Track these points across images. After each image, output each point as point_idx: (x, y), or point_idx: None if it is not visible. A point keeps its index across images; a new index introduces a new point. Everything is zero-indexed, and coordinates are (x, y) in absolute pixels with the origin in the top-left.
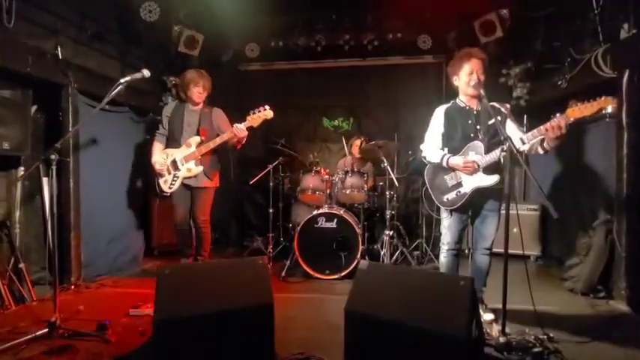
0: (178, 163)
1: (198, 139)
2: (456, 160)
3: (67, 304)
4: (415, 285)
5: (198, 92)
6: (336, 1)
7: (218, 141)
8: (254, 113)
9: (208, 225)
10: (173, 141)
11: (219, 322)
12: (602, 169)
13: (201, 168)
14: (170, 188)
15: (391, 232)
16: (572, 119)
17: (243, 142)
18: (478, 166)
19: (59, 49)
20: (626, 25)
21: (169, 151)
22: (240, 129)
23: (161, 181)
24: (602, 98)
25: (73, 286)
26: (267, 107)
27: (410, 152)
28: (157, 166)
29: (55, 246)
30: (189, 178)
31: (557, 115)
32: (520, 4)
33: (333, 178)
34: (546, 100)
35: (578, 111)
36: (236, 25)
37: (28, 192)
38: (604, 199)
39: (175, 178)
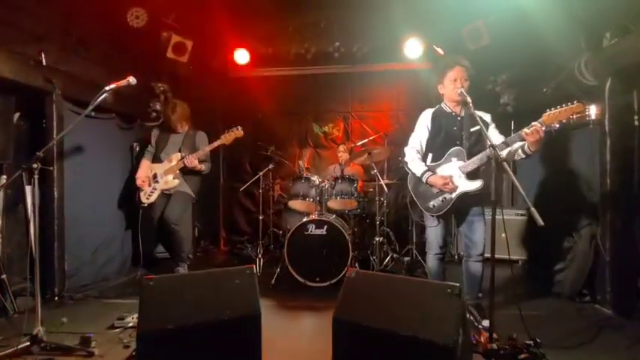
0: (158, 177)
1: (179, 155)
2: (435, 180)
3: (50, 316)
4: (403, 293)
5: (174, 126)
6: (326, 7)
7: (180, 164)
8: (227, 132)
9: (178, 223)
10: (156, 158)
11: (205, 334)
12: (587, 174)
13: (177, 181)
14: (147, 199)
15: (381, 239)
16: (555, 125)
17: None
18: (449, 184)
19: (43, 55)
20: (607, 34)
21: (153, 166)
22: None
23: (141, 193)
24: (575, 104)
25: (56, 298)
26: (239, 127)
27: (400, 158)
28: (138, 181)
29: (37, 256)
30: (168, 189)
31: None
32: (505, 12)
33: (323, 184)
34: (533, 107)
35: (553, 116)
36: (225, 32)
37: (11, 201)
38: (589, 203)
39: (154, 190)
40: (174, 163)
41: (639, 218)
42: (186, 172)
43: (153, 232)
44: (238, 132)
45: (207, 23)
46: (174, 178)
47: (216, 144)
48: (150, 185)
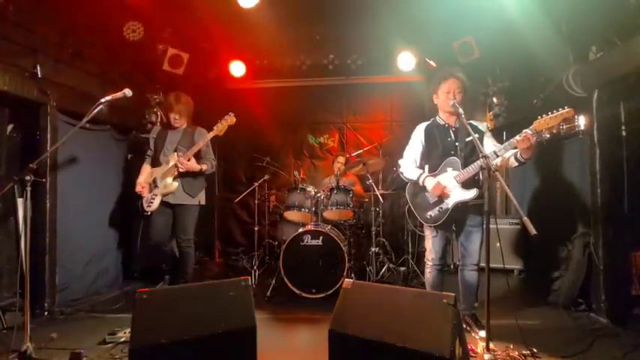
0: (157, 181)
1: (176, 155)
2: (428, 182)
3: (40, 331)
4: (399, 304)
5: (174, 118)
6: (320, 21)
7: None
8: (220, 122)
9: (191, 244)
10: (156, 160)
11: (199, 348)
12: (578, 183)
13: (176, 184)
14: (149, 207)
15: (377, 249)
16: (546, 135)
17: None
18: (444, 191)
19: (38, 67)
20: (593, 48)
21: (153, 170)
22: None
23: (143, 200)
24: (565, 109)
25: (46, 312)
26: (231, 114)
27: (395, 168)
28: (137, 187)
29: (27, 270)
30: (168, 194)
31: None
32: (494, 27)
33: (319, 195)
34: (524, 118)
35: (543, 122)
36: (221, 44)
37: (2, 213)
38: (581, 212)
39: (154, 196)
40: (171, 164)
41: (630, 226)
42: (184, 174)
43: (150, 245)
44: (231, 119)
45: (204, 36)
46: (173, 181)
47: (210, 136)
48: (150, 191)
